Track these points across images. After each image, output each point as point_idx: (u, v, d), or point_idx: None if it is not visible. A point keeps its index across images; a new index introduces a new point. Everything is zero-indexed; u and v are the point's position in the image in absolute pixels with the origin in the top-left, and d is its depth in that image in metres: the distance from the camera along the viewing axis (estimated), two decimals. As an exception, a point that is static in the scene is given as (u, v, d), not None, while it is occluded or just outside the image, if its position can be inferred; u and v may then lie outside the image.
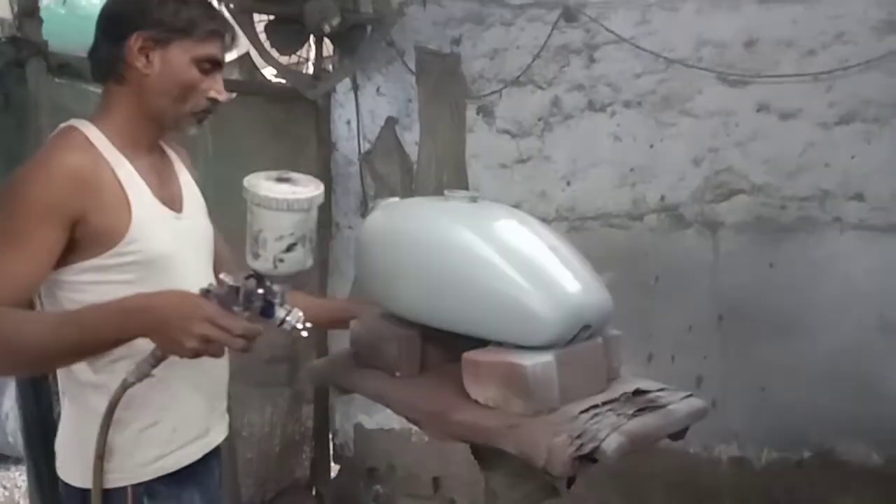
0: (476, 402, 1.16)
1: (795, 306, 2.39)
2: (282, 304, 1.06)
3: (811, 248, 2.38)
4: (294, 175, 1.11)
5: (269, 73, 2.88)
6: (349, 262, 3.00)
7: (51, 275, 1.11)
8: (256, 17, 2.58)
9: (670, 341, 2.55)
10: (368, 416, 3.08)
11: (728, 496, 2.52)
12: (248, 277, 1.06)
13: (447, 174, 2.82)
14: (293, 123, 2.84)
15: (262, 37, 2.60)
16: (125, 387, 1.06)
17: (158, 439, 1.19)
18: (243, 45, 2.72)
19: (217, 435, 1.34)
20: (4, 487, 3.82)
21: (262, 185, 1.07)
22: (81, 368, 1.15)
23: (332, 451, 3.16)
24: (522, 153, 2.77)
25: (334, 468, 3.17)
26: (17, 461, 3.91)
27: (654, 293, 2.55)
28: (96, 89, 2.07)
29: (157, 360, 1.05)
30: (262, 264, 1.07)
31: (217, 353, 1.03)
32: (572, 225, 2.70)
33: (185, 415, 1.23)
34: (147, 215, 1.16)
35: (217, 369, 1.29)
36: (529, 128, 2.75)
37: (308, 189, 1.09)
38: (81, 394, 1.18)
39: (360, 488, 3.11)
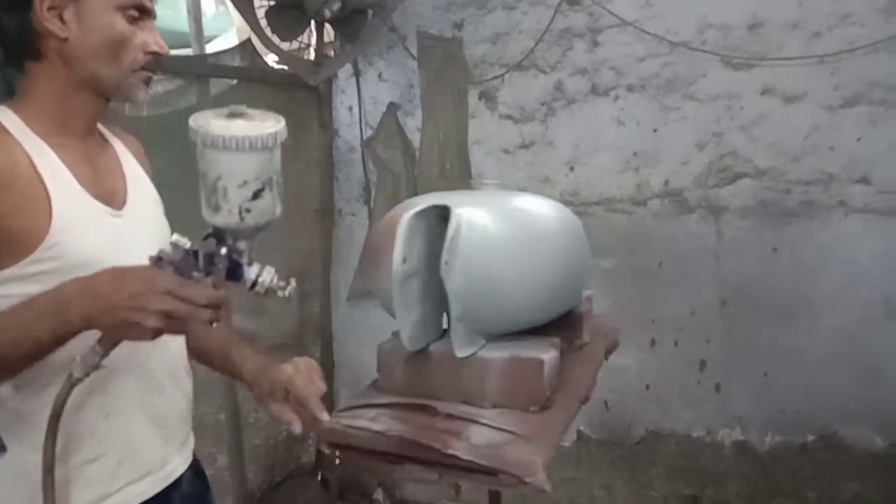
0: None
1: (799, 291, 2.39)
2: (250, 263, 0.92)
3: (815, 233, 2.37)
4: (248, 110, 0.92)
5: (270, 59, 2.87)
6: (351, 250, 3.01)
7: None
8: (257, 2, 2.56)
9: (673, 326, 2.56)
10: (373, 402, 3.09)
11: (732, 480, 2.53)
12: (206, 237, 0.89)
13: (450, 160, 2.81)
14: (295, 110, 2.83)
15: (263, 22, 2.58)
16: (72, 382, 0.88)
17: (101, 476, 1.00)
18: (244, 30, 2.71)
19: (176, 466, 1.14)
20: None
21: (213, 123, 0.86)
22: (5, 395, 0.96)
23: (337, 437, 3.17)
24: (525, 138, 2.76)
25: (339, 454, 3.19)
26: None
27: (657, 278, 2.55)
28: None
29: (106, 347, 0.89)
30: (226, 217, 0.86)
31: (180, 330, 0.89)
32: (576, 210, 2.66)
33: (132, 446, 1.03)
34: (72, 212, 0.97)
35: (178, 390, 1.13)
36: (532, 112, 2.74)
37: (268, 124, 0.91)
38: (8, 426, 0.97)
39: (366, 474, 3.13)
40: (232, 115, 0.90)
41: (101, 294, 0.84)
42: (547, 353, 1.23)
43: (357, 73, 2.96)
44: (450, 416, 1.17)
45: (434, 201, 1.24)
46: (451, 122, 2.81)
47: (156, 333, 0.85)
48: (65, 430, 0.94)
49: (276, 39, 2.63)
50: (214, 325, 0.90)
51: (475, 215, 1.20)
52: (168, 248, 0.88)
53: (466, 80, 2.81)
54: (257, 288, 0.91)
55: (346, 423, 1.18)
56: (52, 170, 0.98)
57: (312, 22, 2.68)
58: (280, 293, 0.93)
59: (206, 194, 0.87)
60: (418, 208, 1.22)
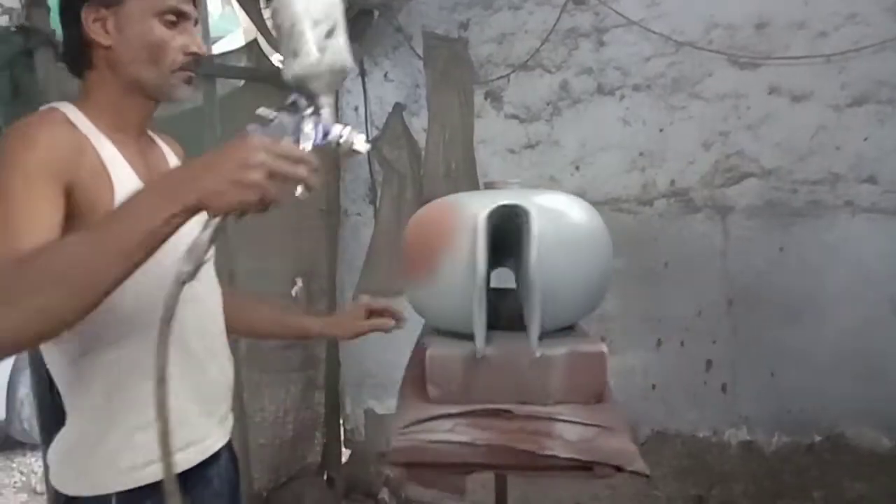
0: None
1: (806, 290, 2.38)
2: (334, 123, 0.93)
3: (822, 232, 2.37)
4: None
5: (276, 59, 2.87)
6: (357, 249, 3.01)
7: None
8: (263, 3, 2.57)
9: (680, 326, 2.55)
10: (379, 402, 3.10)
11: (738, 480, 2.52)
12: (289, 105, 0.93)
13: (455, 160, 2.82)
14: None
15: (269, 23, 2.59)
16: (181, 281, 0.86)
17: (148, 442, 1.03)
18: (250, 31, 2.71)
19: (216, 441, 1.23)
20: (22, 473, 3.88)
21: None
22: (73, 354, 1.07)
23: (343, 437, 3.18)
24: (531, 138, 2.76)
25: (345, 453, 3.20)
26: (33, 447, 3.96)
27: (663, 278, 2.54)
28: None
29: (213, 229, 0.87)
30: (305, 59, 0.90)
31: (277, 197, 0.86)
32: (581, 210, 2.69)
33: (175, 417, 1.02)
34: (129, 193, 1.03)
35: (218, 370, 1.22)
36: (538, 112, 2.74)
37: None
38: (69, 401, 1.11)
39: (371, 473, 3.13)
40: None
41: (205, 165, 0.85)
42: (602, 346, 1.21)
43: (363, 74, 2.96)
44: (529, 417, 1.14)
45: (499, 200, 1.18)
46: (457, 122, 2.81)
47: (261, 197, 0.84)
48: (116, 399, 1.06)
49: (282, 39, 2.64)
50: (303, 194, 0.88)
51: (549, 213, 1.19)
52: (254, 123, 0.90)
53: (472, 80, 2.81)
54: (342, 145, 0.93)
55: (423, 438, 1.10)
56: (114, 160, 1.08)
57: (318, 22, 2.68)
58: (362, 149, 0.95)
59: (285, 46, 0.91)
60: (488, 210, 1.15)
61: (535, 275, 1.11)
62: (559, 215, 1.25)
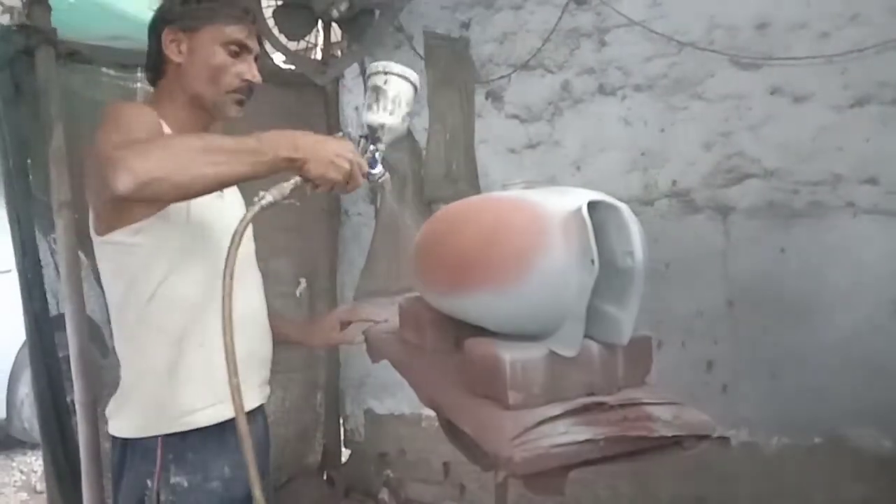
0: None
1: (807, 292, 2.38)
2: (380, 159, 1.33)
3: (823, 234, 2.36)
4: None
5: (277, 58, 2.87)
6: (358, 249, 3.01)
7: (105, 237, 1.27)
8: (265, 2, 2.57)
9: (680, 327, 2.55)
10: (379, 402, 3.09)
11: (738, 482, 2.51)
12: (363, 136, 1.33)
13: (456, 160, 2.82)
14: (302, 109, 2.83)
15: (271, 22, 2.59)
16: (262, 206, 1.14)
17: (196, 392, 1.28)
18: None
19: (253, 399, 1.41)
20: (21, 472, 3.88)
21: (398, 66, 1.35)
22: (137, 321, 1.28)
23: (343, 437, 3.18)
24: (532, 138, 2.76)
25: (345, 453, 3.20)
26: (33, 447, 3.97)
27: (664, 279, 2.54)
28: (112, 75, 2.09)
29: (296, 185, 1.18)
30: (394, 120, 1.32)
31: (343, 189, 1.22)
32: (582, 210, 2.69)
33: (219, 373, 1.20)
34: None
35: (257, 339, 1.44)
36: (539, 112, 2.74)
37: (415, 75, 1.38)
38: (127, 354, 1.32)
39: (371, 473, 3.13)
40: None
41: (319, 140, 1.18)
42: (648, 331, 1.27)
43: (364, 73, 2.96)
44: (624, 406, 1.16)
45: (581, 197, 1.17)
46: (458, 122, 2.81)
47: (344, 178, 1.19)
48: (169, 352, 1.28)
49: (283, 39, 2.64)
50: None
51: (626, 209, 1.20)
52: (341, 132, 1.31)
53: (473, 79, 2.81)
54: (380, 177, 1.33)
55: (544, 444, 1.08)
56: None
57: (319, 22, 2.69)
58: (386, 188, 1.39)
59: (384, 104, 1.32)
60: (585, 204, 1.13)
61: (639, 269, 1.13)
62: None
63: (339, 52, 2.86)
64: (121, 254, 1.27)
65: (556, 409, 1.13)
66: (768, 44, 2.38)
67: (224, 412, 1.29)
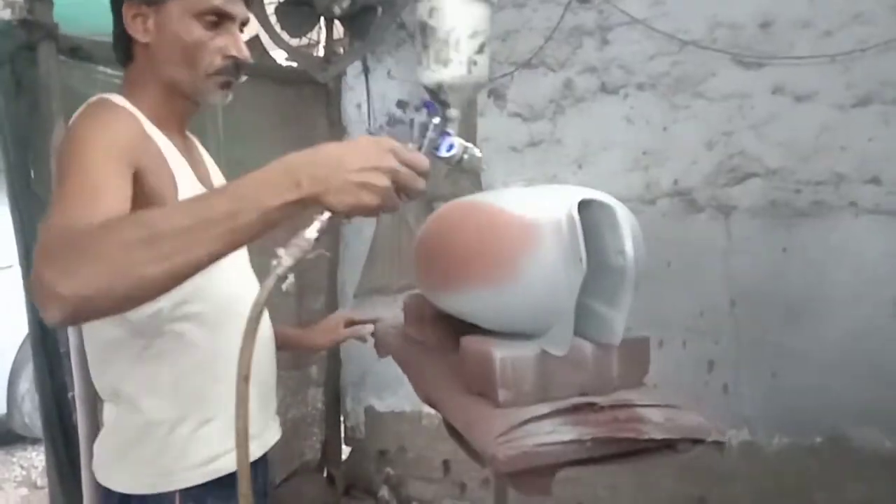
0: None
1: (809, 291, 2.37)
2: (456, 134, 0.94)
3: (825, 233, 2.36)
4: None
5: (279, 55, 2.87)
6: (358, 247, 3.01)
7: None
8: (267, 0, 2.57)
9: (682, 326, 2.55)
10: (380, 399, 3.09)
11: (738, 481, 2.51)
12: (418, 108, 0.95)
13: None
14: (304, 106, 2.83)
15: (273, 19, 2.58)
16: (280, 275, 0.81)
17: (212, 437, 1.09)
18: (252, 27, 2.70)
19: (270, 436, 1.26)
20: (22, 467, 3.88)
21: None
22: (128, 375, 1.07)
23: (343, 434, 3.18)
24: (534, 136, 2.75)
25: (345, 450, 3.20)
26: (33, 442, 3.97)
27: (665, 278, 2.53)
28: (108, 72, 2.08)
29: (320, 225, 0.82)
30: (455, 70, 0.92)
31: (396, 204, 0.82)
32: (584, 209, 2.68)
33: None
34: (189, 185, 1.10)
35: (267, 360, 1.24)
36: (541, 111, 2.73)
37: None
38: (128, 397, 1.10)
39: (371, 470, 3.13)
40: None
41: (332, 157, 0.80)
42: (645, 333, 1.25)
43: (366, 71, 2.95)
44: (614, 407, 1.14)
45: (574, 196, 1.15)
46: (460, 120, 2.80)
47: (383, 199, 0.80)
48: (182, 394, 1.07)
49: (285, 36, 2.64)
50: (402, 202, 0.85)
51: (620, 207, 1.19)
52: (386, 122, 0.95)
53: (475, 77, 2.80)
54: (464, 159, 0.95)
55: (529, 443, 1.07)
56: (169, 149, 1.10)
57: (322, 19, 2.68)
58: (484, 166, 0.99)
59: (434, 50, 0.91)
60: (575, 204, 1.11)
61: (630, 267, 1.11)
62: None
63: (341, 50, 2.86)
64: None
65: (544, 408, 1.12)
66: (771, 42, 2.37)
67: (252, 452, 1.11)
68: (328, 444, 3.08)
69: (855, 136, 2.30)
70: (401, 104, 0.94)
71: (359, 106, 3.02)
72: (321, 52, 2.82)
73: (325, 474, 3.09)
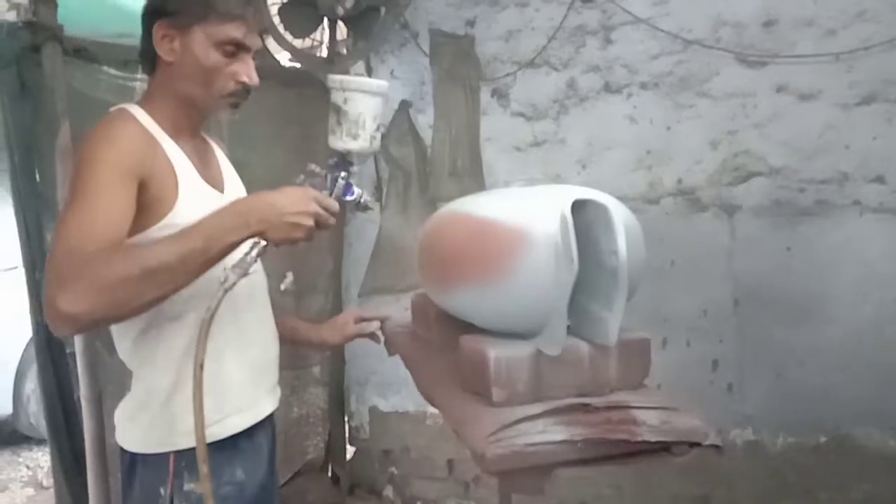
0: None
1: (813, 290, 2.37)
2: (355, 185, 1.26)
3: (829, 232, 2.35)
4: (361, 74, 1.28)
5: (283, 56, 2.88)
6: (362, 247, 3.01)
7: None
8: (270, 0, 2.57)
9: (686, 325, 2.54)
10: (384, 399, 3.10)
11: (743, 481, 2.51)
12: (332, 164, 1.24)
13: (461, 157, 2.81)
14: (307, 107, 2.83)
15: (276, 20, 2.59)
16: (226, 288, 1.10)
17: (211, 407, 1.18)
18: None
19: (265, 407, 1.37)
20: (28, 467, 3.90)
21: (359, 77, 1.27)
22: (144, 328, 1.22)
23: (347, 434, 3.18)
24: (537, 136, 2.75)
25: (350, 450, 3.20)
26: (39, 442, 3.99)
27: (669, 277, 2.53)
28: (112, 73, 2.09)
29: (259, 253, 1.13)
30: (361, 143, 1.23)
31: (312, 236, 1.15)
32: (587, 208, 2.68)
33: (229, 386, 1.26)
34: (193, 190, 1.22)
35: (265, 343, 1.37)
36: (544, 110, 2.73)
37: (383, 81, 1.29)
38: (136, 369, 1.26)
39: (376, 470, 3.14)
40: (356, 74, 1.26)
41: (273, 203, 1.11)
42: (645, 333, 1.24)
43: (369, 71, 2.96)
44: (609, 408, 1.15)
45: (562, 196, 1.16)
46: (463, 120, 2.81)
47: (308, 235, 1.13)
48: (177, 370, 1.21)
49: (288, 37, 2.64)
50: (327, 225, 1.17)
51: (615, 207, 1.19)
52: (307, 174, 1.23)
53: (478, 77, 2.80)
54: (360, 201, 1.28)
55: (519, 442, 1.08)
56: (178, 158, 1.23)
57: (325, 19, 2.69)
58: (370, 207, 1.30)
59: (347, 127, 1.23)
60: (569, 204, 1.13)
61: (623, 268, 1.12)
62: (620, 208, 1.25)
63: (344, 50, 2.86)
64: None
65: (537, 409, 1.13)
66: (774, 41, 2.37)
67: (237, 424, 1.28)
68: (332, 443, 3.08)
69: (859, 134, 2.30)
70: (336, 163, 1.25)
71: (362, 106, 3.02)
72: (324, 53, 2.82)
73: (329, 474, 3.09)
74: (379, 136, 1.27)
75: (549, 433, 1.10)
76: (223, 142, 1.49)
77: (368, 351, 3.01)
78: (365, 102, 1.23)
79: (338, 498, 3.04)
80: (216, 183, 1.31)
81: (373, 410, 3.14)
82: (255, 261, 1.13)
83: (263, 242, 1.12)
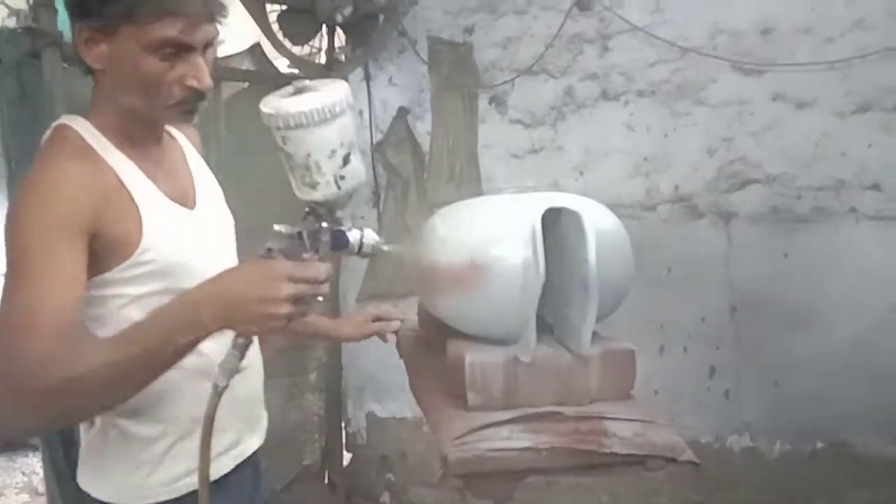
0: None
1: (810, 298, 2.38)
2: (350, 229, 0.98)
3: (826, 239, 2.36)
4: (308, 82, 0.92)
5: (281, 63, 2.89)
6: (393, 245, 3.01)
7: None
8: (269, 6, 2.58)
9: (683, 332, 2.55)
10: (381, 405, 3.10)
11: (740, 488, 2.51)
12: (305, 217, 0.96)
13: (459, 164, 2.82)
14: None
15: (275, 27, 2.60)
16: (218, 394, 0.94)
17: (188, 452, 1.06)
18: (254, 34, 2.72)
19: (250, 444, 1.25)
20: (23, 474, 3.88)
21: (288, 104, 0.88)
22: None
23: (344, 440, 3.18)
24: (535, 143, 2.76)
25: (347, 457, 3.20)
26: (35, 448, 3.97)
27: (666, 284, 2.54)
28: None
29: (241, 349, 0.94)
30: (324, 190, 0.91)
31: (305, 311, 0.91)
32: (585, 215, 2.69)
33: (219, 424, 1.04)
34: (159, 219, 1.06)
35: (247, 372, 1.18)
36: (542, 117, 2.74)
37: (335, 88, 0.91)
38: (123, 414, 1.09)
39: (373, 476, 3.13)
40: (299, 91, 0.91)
41: (231, 295, 0.89)
42: (631, 344, 1.23)
43: (367, 78, 2.97)
44: (580, 418, 1.14)
45: (537, 204, 1.17)
46: (461, 127, 2.82)
47: (288, 320, 0.89)
48: (158, 413, 1.07)
49: (287, 44, 2.65)
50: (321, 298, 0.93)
51: (592, 214, 1.19)
52: (274, 239, 0.94)
53: (476, 84, 2.81)
54: (363, 250, 0.99)
55: (483, 447, 1.08)
56: (136, 181, 1.05)
57: (324, 26, 2.70)
58: (385, 248, 1.01)
59: (299, 175, 0.92)
60: (540, 213, 1.13)
61: (592, 276, 1.12)
62: (601, 213, 1.27)
63: (342, 57, 2.87)
64: (86, 307, 1.00)
65: (507, 415, 1.13)
66: (771, 49, 2.38)
67: (224, 466, 1.16)
68: (329, 450, 3.08)
69: (855, 142, 2.31)
70: (312, 213, 0.96)
71: (360, 112, 3.03)
72: (323, 60, 2.83)
73: (326, 480, 3.09)
74: (355, 168, 0.94)
75: (514, 440, 1.10)
76: (194, 129, 1.28)
77: (366, 357, 3.02)
78: (308, 139, 0.89)
79: (335, 504, 3.04)
80: (185, 196, 1.14)
81: (370, 416, 3.14)
82: (241, 357, 0.94)
83: (243, 342, 0.94)
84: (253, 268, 0.91)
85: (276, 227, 0.95)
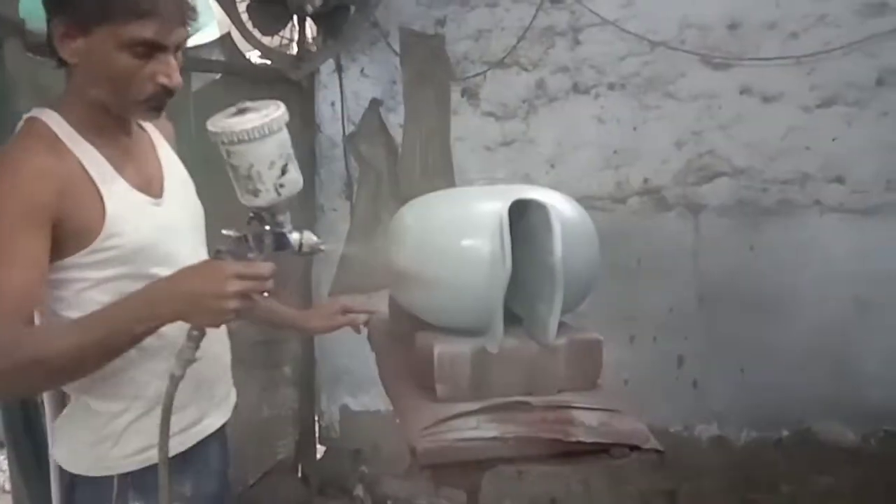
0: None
1: (775, 288, 2.43)
2: (291, 231, 1.08)
3: (791, 231, 2.41)
4: (249, 104, 1.05)
5: (252, 54, 2.85)
6: (332, 246, 3.00)
7: None
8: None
9: (652, 323, 2.58)
10: (354, 398, 3.09)
11: (708, 475, 2.56)
12: (250, 221, 1.07)
13: (432, 156, 2.82)
14: (277, 105, 2.81)
15: (245, 17, 2.56)
16: (175, 382, 1.03)
17: (149, 428, 1.12)
18: (224, 24, 2.68)
19: (214, 420, 1.29)
20: (-11, 471, 3.81)
21: (232, 123, 1.00)
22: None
23: (317, 433, 3.17)
24: (507, 136, 2.77)
25: (320, 450, 3.19)
26: (2, 445, 3.89)
27: (636, 275, 2.57)
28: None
29: (196, 340, 1.02)
30: (266, 197, 1.03)
31: (252, 305, 1.02)
32: (556, 207, 2.71)
33: (181, 401, 1.10)
34: (122, 207, 1.10)
35: (215, 352, 1.26)
36: (514, 110, 2.75)
37: (273, 109, 1.04)
38: (74, 388, 1.16)
39: (346, 469, 3.13)
40: (241, 112, 1.03)
41: (184, 291, 0.99)
42: (598, 335, 1.25)
43: (339, 69, 2.95)
44: (547, 408, 1.16)
45: (506, 196, 1.18)
46: (434, 119, 2.81)
47: (237, 314, 0.99)
48: (120, 390, 1.13)
49: (257, 34, 2.62)
50: (267, 294, 1.04)
51: (560, 207, 1.21)
52: (222, 242, 1.05)
53: (449, 76, 2.81)
54: (303, 249, 1.09)
55: (450, 437, 1.10)
56: (100, 170, 1.09)
57: (294, 17, 2.67)
58: (324, 248, 1.12)
59: (243, 184, 1.03)
60: (507, 206, 1.15)
61: (558, 268, 1.14)
62: (569, 206, 1.29)
63: (314, 48, 2.84)
64: (50, 288, 1.07)
65: (474, 405, 1.15)
66: (739, 44, 2.42)
67: (187, 440, 1.21)
68: (302, 443, 3.07)
69: (820, 136, 2.36)
70: (255, 218, 1.07)
71: (332, 104, 3.01)
72: (294, 51, 2.80)
73: (299, 474, 3.08)
74: (292, 177, 1.05)
75: (481, 430, 1.12)
76: (169, 123, 1.33)
77: (339, 351, 3.01)
78: (250, 152, 1.00)
79: (308, 497, 3.03)
80: (151, 186, 1.18)
81: (343, 409, 3.13)
82: (196, 348, 1.02)
83: (197, 334, 1.02)
84: (204, 267, 1.02)
85: (224, 231, 1.05)
